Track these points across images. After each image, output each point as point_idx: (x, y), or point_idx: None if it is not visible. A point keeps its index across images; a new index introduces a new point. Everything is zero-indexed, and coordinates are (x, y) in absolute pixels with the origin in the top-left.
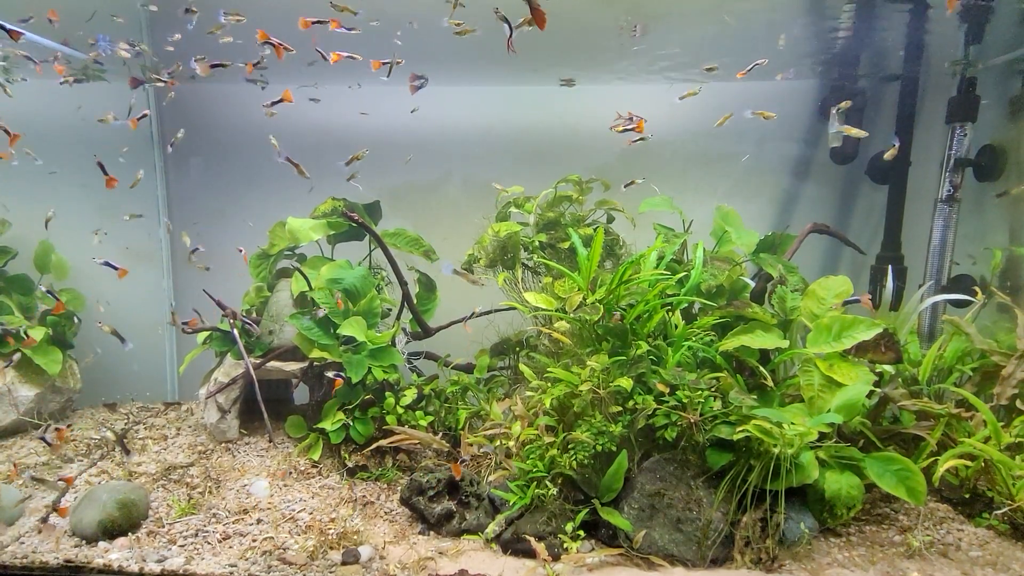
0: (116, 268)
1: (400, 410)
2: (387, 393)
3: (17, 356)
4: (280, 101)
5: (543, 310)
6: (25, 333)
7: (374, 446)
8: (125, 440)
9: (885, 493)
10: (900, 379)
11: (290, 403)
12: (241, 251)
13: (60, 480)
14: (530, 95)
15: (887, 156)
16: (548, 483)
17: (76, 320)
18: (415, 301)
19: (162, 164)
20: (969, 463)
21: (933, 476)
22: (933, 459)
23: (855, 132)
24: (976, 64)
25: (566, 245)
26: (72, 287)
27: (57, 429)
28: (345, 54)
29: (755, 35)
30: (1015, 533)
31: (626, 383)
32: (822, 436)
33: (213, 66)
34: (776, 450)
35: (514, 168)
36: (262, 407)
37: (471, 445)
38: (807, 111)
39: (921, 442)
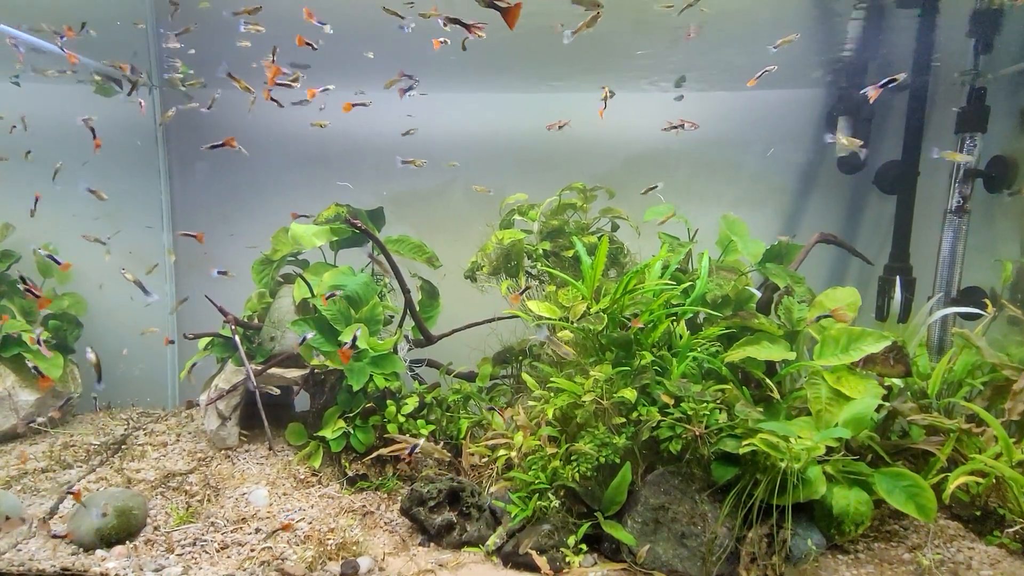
0: (59, 263)
1: (401, 418)
2: (388, 401)
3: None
4: (222, 145)
5: (546, 319)
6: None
7: (374, 455)
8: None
9: (894, 509)
10: (909, 393)
11: (291, 410)
12: (193, 236)
13: (67, 492)
14: (534, 102)
15: (842, 145)
16: (550, 495)
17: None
18: (417, 308)
19: (166, 168)
20: (980, 480)
21: (943, 493)
22: (943, 475)
23: (960, 158)
24: (986, 74)
25: (570, 253)
26: (75, 291)
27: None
28: (320, 89)
29: (762, 43)
30: None
31: (630, 394)
32: (830, 450)
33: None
34: (783, 465)
35: (518, 175)
36: (263, 414)
37: (472, 455)
38: (814, 120)
39: (931, 457)
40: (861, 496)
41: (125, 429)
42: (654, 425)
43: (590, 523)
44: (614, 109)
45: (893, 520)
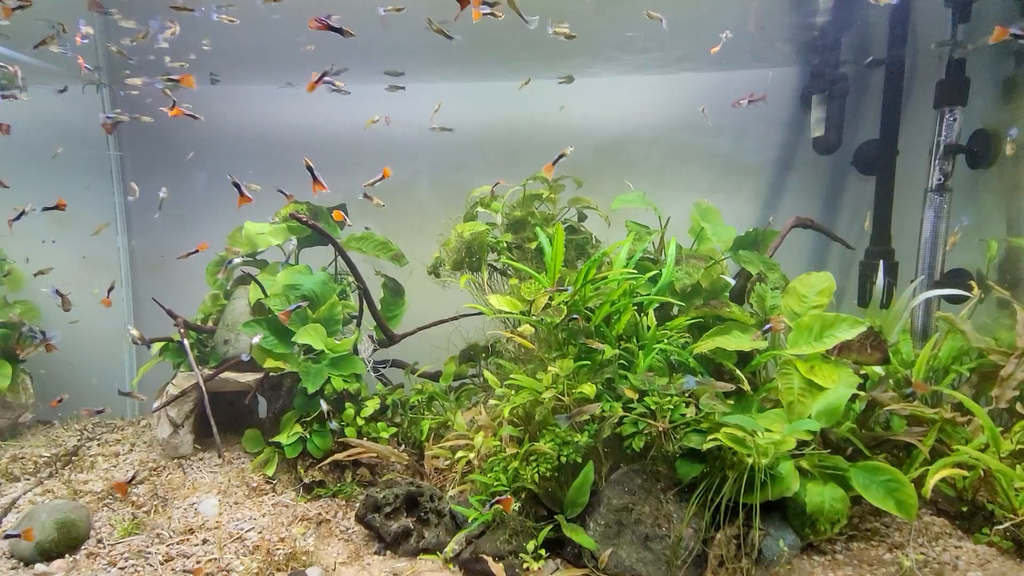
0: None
1: (361, 421)
2: (347, 404)
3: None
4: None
5: (507, 313)
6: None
7: (330, 460)
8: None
9: (876, 506)
10: (892, 381)
11: (255, 416)
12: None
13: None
14: (500, 91)
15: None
16: (510, 497)
17: (34, 332)
18: (380, 307)
19: (119, 169)
20: (966, 473)
21: (924, 488)
22: (927, 469)
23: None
24: (965, 45)
25: (533, 245)
26: (27, 299)
27: None
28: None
29: (730, 19)
30: (1019, 551)
31: (589, 389)
32: (804, 444)
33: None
34: (750, 460)
35: (486, 167)
36: (211, 420)
37: (435, 458)
38: (788, 100)
39: (914, 450)
40: (836, 492)
41: (78, 440)
42: (616, 421)
43: (551, 526)
44: (583, 96)
45: (874, 517)
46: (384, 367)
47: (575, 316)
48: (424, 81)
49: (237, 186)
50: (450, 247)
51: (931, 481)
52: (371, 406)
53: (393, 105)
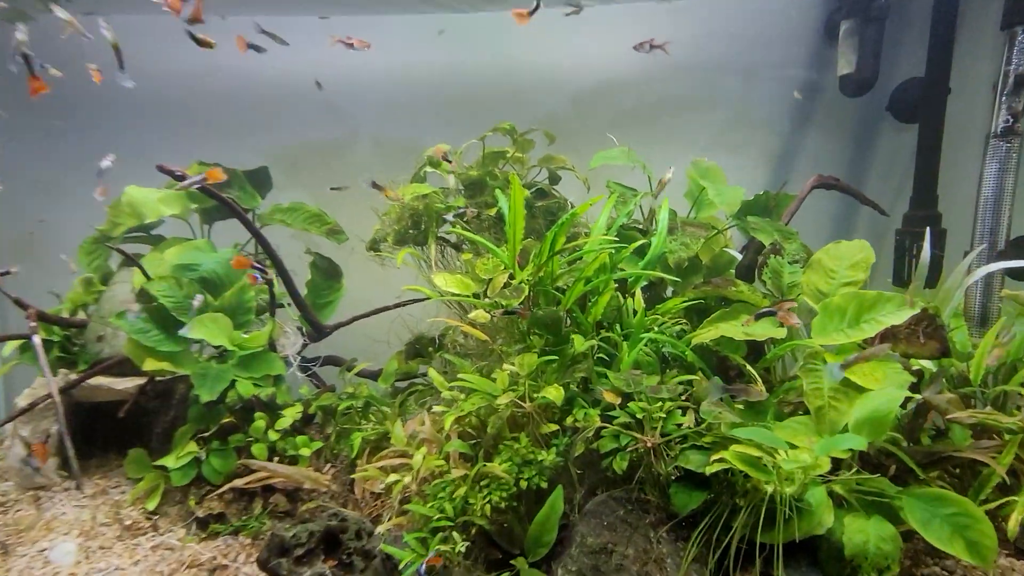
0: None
1: (274, 436)
2: (257, 414)
3: None
4: None
5: (455, 295)
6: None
7: (227, 488)
8: None
9: (931, 544)
10: (944, 379)
11: (151, 432)
12: None
13: None
14: (459, 25)
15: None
16: (456, 535)
17: None
18: (307, 292)
19: None
20: None
21: (1009, 525)
22: (1006, 499)
23: None
24: None
25: (493, 212)
26: None
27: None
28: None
29: None
30: None
31: (554, 393)
32: (837, 463)
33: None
34: (769, 488)
35: (441, 122)
36: (66, 439)
37: (368, 480)
38: (809, 32)
39: (982, 470)
40: (884, 529)
41: None
42: (593, 434)
43: (508, 575)
44: (557, 31)
45: (932, 559)
46: (314, 366)
47: (517, 308)
48: (360, 14)
49: (26, 59)
50: (392, 216)
51: (1017, 516)
52: (290, 415)
53: (319, 44)
